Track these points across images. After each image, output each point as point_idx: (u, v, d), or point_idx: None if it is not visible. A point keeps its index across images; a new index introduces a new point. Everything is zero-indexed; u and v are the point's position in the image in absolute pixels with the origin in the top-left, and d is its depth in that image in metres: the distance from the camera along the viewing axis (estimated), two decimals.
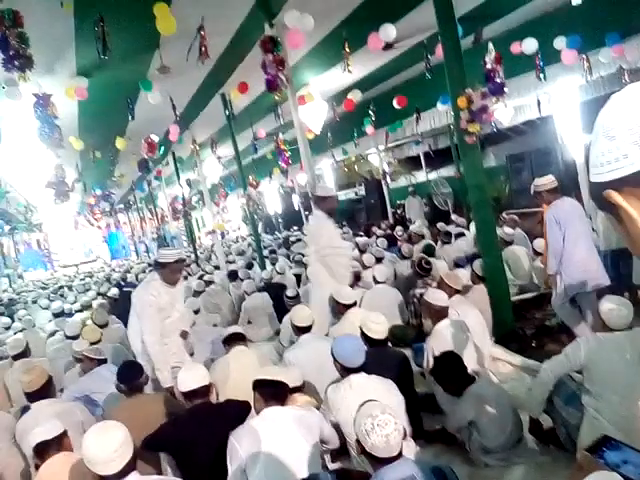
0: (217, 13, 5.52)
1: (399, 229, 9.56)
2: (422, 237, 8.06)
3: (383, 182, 14.26)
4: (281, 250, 12.24)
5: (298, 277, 7.75)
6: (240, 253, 13.48)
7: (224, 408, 3.11)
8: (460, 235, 7.66)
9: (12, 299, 13.82)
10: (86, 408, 3.60)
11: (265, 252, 11.49)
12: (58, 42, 5.74)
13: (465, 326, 3.82)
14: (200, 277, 8.97)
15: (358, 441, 2.06)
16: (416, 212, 12.37)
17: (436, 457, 3.08)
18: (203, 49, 5.32)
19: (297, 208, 20.27)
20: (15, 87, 6.37)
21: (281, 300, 6.21)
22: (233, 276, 8.54)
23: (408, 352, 3.99)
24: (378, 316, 3.54)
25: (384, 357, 3.44)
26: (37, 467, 2.76)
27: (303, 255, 9.61)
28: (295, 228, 18.82)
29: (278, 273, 7.87)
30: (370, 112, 10.69)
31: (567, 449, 2.85)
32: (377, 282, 5.43)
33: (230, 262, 11.35)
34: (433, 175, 13.74)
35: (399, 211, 13.93)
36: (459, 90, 4.61)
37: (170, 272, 4.07)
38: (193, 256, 14.77)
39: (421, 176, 14.33)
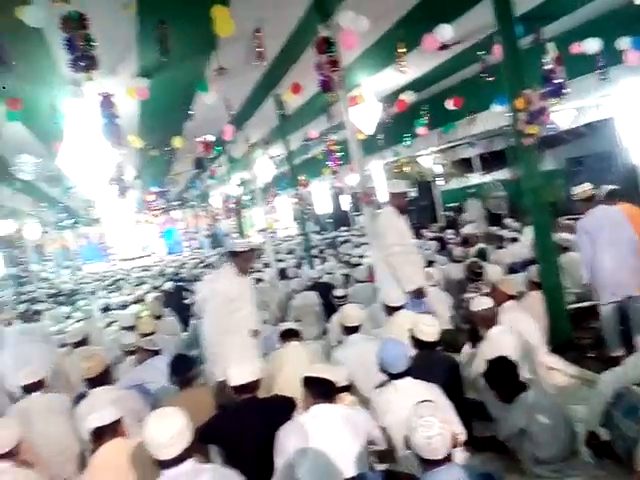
0: (273, 15, 5.60)
1: (450, 232, 9.41)
2: (477, 240, 7.88)
3: (434, 184, 14.05)
4: (330, 250, 12.29)
5: (346, 277, 7.76)
6: (289, 252, 13.62)
7: (271, 403, 3.16)
8: (514, 240, 7.46)
9: (72, 290, 14.45)
10: (140, 397, 3.73)
11: (314, 252, 11.55)
12: (121, 44, 5.95)
13: (518, 333, 3.72)
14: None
15: (406, 437, 2.08)
16: (476, 215, 11.93)
17: (485, 465, 3.02)
18: (260, 50, 5.40)
19: (346, 209, 20.28)
20: (79, 87, 6.69)
21: (329, 299, 6.23)
22: (282, 274, 8.65)
23: (458, 357, 3.93)
24: (430, 318, 3.51)
25: (434, 361, 3.39)
26: (93, 452, 2.87)
27: (351, 256, 9.62)
28: (344, 229, 18.83)
29: (327, 273, 7.91)
30: (423, 113, 10.57)
31: (624, 463, 2.73)
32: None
33: (279, 260, 11.48)
34: (487, 178, 13.44)
35: (450, 214, 13.70)
36: (517, 91, 4.49)
37: (243, 261, 4.18)
38: None
39: (474, 178, 14.04)
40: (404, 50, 6.79)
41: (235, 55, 6.17)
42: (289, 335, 4.15)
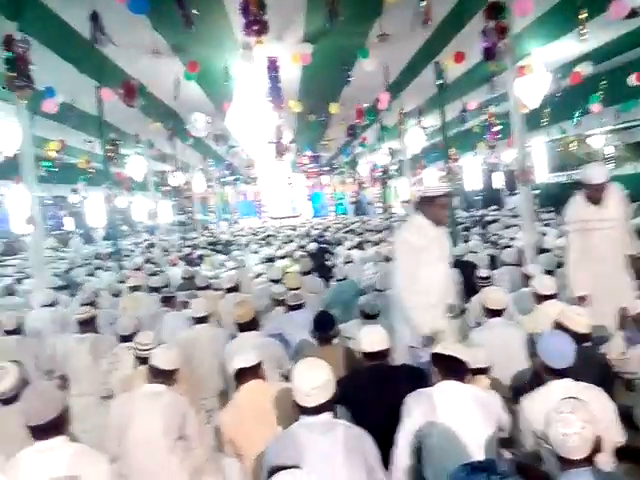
0: None
1: None
2: None
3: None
4: (475, 229, 11.81)
5: (492, 258, 7.42)
6: None
7: (400, 371, 3.18)
8: None
9: (228, 241, 15.67)
10: (281, 346, 3.99)
11: (458, 228, 11.18)
12: (290, 10, 6.16)
13: None
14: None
15: (544, 431, 2.01)
16: None
17: (630, 477, 2.77)
18: (426, 15, 5.25)
19: (498, 187, 19.26)
20: (249, 51, 7.11)
21: (470, 279, 6.03)
22: None
23: None
24: (580, 308, 3.24)
25: (581, 357, 3.13)
26: (236, 388, 3.14)
27: (499, 236, 9.16)
28: (493, 207, 17.94)
29: (470, 251, 7.63)
30: (600, 88, 9.54)
31: None
32: None
33: None
34: None
35: None
36: None
37: (436, 208, 3.58)
38: (386, 223, 15.08)
39: None
40: (585, 16, 6.14)
41: (399, 21, 6.06)
42: None
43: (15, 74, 5.39)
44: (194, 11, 5.04)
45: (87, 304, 4.93)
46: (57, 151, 10.96)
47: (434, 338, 3.37)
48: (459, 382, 2.63)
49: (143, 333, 3.73)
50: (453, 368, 2.65)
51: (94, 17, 5.20)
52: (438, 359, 2.68)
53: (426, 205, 3.61)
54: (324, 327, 3.74)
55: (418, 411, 2.53)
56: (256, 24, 4.92)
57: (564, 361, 2.67)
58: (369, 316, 4.26)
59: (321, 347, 3.69)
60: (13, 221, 15.29)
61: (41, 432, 2.24)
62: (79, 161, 13.02)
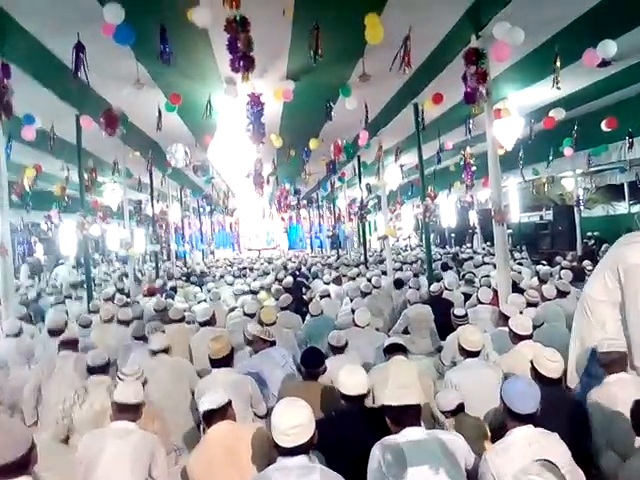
0: (424, 23, 5.55)
1: (588, 263, 8.68)
2: None
3: (576, 209, 13.06)
4: (450, 265, 11.92)
5: (466, 296, 7.46)
6: (408, 262, 13.45)
7: (377, 415, 3.12)
8: None
9: (203, 272, 15.47)
10: (256, 384, 3.88)
11: (434, 265, 11.25)
12: (274, 47, 6.26)
13: None
14: (369, 279, 9.12)
15: None
16: None
17: None
18: (406, 59, 5.39)
19: (472, 224, 19.57)
20: (234, 86, 7.17)
21: (445, 316, 6.04)
22: (399, 283, 8.57)
23: None
24: (554, 353, 3.23)
25: (555, 399, 3.13)
26: (204, 430, 3.03)
27: (474, 275, 9.24)
28: (468, 245, 18.19)
29: (446, 289, 7.67)
30: (573, 132, 9.89)
31: None
32: None
33: (397, 269, 11.38)
34: (637, 208, 12.22)
35: (590, 242, 12.66)
36: None
37: None
38: (363, 258, 15.11)
39: (622, 208, 12.84)
40: (559, 65, 6.39)
41: (380, 62, 6.20)
42: (394, 350, 4.05)
43: None
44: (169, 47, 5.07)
45: None
46: (31, 177, 10.75)
47: None
48: (420, 427, 2.59)
49: (129, 364, 3.65)
50: (410, 415, 2.60)
51: (78, 47, 5.18)
52: (390, 410, 2.63)
53: None
54: (312, 363, 3.68)
55: (385, 463, 2.45)
56: (243, 60, 4.94)
57: (527, 406, 2.60)
58: (336, 348, 4.22)
59: (306, 383, 3.62)
60: None
61: (4, 473, 2.07)
62: (54, 188, 12.79)
